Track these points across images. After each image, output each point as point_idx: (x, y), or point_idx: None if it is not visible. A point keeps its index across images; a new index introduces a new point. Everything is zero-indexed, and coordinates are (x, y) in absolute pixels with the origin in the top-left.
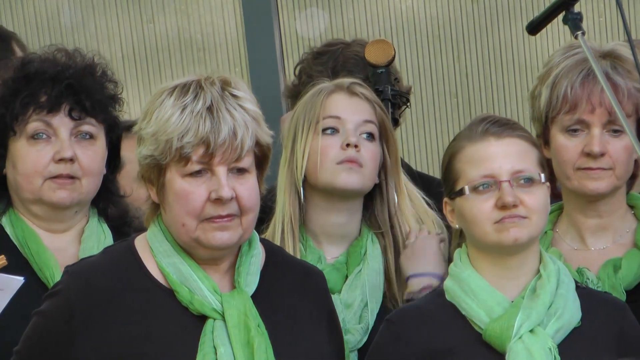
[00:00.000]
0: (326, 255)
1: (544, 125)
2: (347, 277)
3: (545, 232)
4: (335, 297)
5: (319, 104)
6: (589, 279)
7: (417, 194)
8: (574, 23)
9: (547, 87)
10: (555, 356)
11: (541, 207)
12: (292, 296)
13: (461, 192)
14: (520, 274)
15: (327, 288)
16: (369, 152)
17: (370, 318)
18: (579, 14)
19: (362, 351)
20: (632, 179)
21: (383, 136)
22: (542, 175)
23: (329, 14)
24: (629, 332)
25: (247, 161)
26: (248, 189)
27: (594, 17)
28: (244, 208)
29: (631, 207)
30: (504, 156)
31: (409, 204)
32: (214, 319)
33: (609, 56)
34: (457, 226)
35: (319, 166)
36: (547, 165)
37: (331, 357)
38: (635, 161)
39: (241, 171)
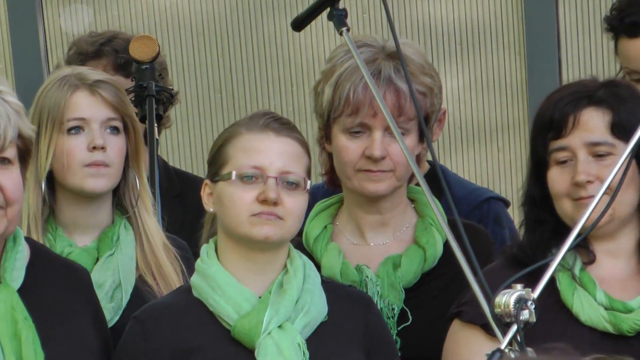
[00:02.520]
0: (78, 244)
1: (325, 122)
2: (98, 259)
3: (325, 226)
4: None
5: (63, 103)
6: (367, 277)
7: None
8: (339, 19)
9: (330, 86)
10: (304, 351)
11: (299, 212)
12: (58, 291)
13: (227, 177)
14: (268, 270)
15: (92, 284)
16: (115, 149)
17: (124, 298)
18: (344, 10)
19: (113, 330)
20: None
21: (127, 127)
22: (308, 183)
23: (93, 9)
24: (374, 325)
25: (11, 152)
26: (12, 180)
27: (358, 14)
28: (9, 199)
29: (412, 200)
30: (278, 153)
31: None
32: None
33: (394, 58)
34: (211, 209)
35: (66, 169)
36: (328, 158)
37: (97, 350)
38: (417, 156)
39: (4, 163)
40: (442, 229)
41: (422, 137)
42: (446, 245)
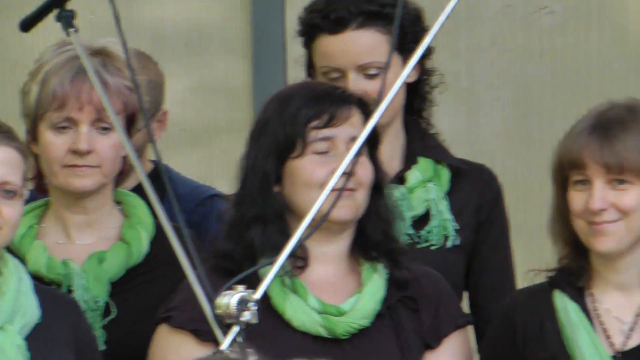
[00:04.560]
0: None
1: (33, 122)
2: None
3: (31, 227)
4: None
5: None
6: (73, 270)
7: None
8: (67, 20)
9: (38, 83)
10: (24, 353)
11: (16, 221)
12: None
13: None
14: None
15: None
16: None
17: None
18: (72, 11)
19: None
20: (120, 175)
21: None
22: (26, 192)
23: None
24: (81, 325)
25: None
26: None
27: (86, 15)
28: None
29: (119, 202)
30: None
31: None
32: None
33: (100, 54)
34: None
35: None
36: (35, 161)
37: None
38: (124, 158)
39: None
40: (148, 228)
41: (132, 136)
42: (153, 243)
